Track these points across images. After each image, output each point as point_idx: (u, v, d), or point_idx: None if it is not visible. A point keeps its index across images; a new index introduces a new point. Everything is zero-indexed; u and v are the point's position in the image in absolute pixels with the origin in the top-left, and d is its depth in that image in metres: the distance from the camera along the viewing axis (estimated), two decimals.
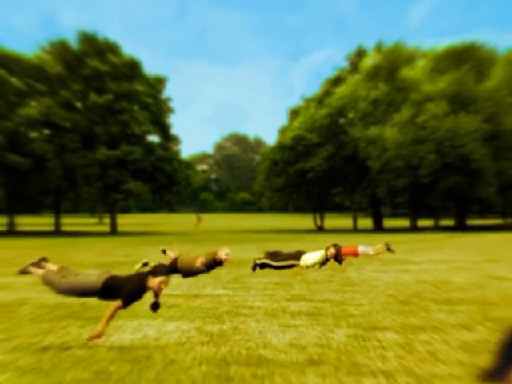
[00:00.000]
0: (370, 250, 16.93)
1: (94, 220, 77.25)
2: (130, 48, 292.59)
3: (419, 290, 8.85)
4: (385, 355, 4.43)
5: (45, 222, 55.55)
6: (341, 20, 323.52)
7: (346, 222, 58.58)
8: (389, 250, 16.10)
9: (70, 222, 56.61)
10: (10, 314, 6.72)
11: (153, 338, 5.19)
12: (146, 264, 10.12)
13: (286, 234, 36.88)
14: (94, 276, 5.61)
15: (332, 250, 8.98)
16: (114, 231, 45.49)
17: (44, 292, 8.64)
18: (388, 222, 54.79)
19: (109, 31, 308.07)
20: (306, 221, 61.03)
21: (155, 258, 8.99)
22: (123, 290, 5.21)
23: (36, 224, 54.16)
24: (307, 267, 8.89)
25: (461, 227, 45.62)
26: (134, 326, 5.76)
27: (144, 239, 31.26)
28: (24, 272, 5.62)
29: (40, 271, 5.68)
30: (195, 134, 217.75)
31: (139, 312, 6.53)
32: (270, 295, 8.20)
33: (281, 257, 9.88)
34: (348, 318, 6.25)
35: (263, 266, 9.87)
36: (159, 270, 5.88)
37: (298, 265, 9.48)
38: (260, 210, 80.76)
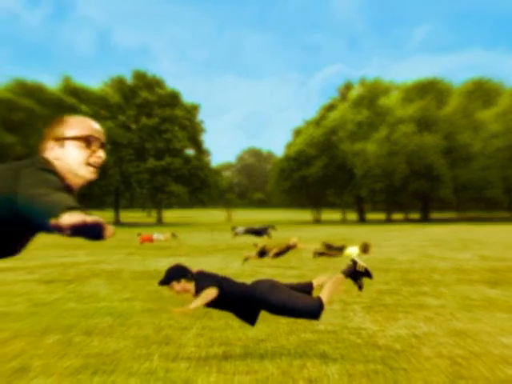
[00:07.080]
0: (162, 237, 18.84)
1: (144, 214, 78.54)
2: (171, 60, 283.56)
3: (370, 264, 10.34)
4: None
5: (107, 215, 57.08)
6: (353, 38, 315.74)
7: (336, 215, 59.25)
8: (173, 235, 18.08)
9: (126, 216, 57.97)
10: (115, 277, 8.24)
11: None
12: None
13: (291, 224, 38.14)
14: None
15: (363, 248, 11.03)
16: (160, 222, 47.61)
17: (129, 264, 10.61)
18: (369, 216, 55.62)
19: (156, 46, 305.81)
20: (306, 215, 61.56)
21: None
22: None
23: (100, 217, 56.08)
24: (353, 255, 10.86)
25: (424, 220, 46.69)
26: None
27: (183, 228, 33.13)
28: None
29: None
30: (225, 137, 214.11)
31: None
32: (276, 267, 9.52)
33: (332, 248, 11.63)
34: (314, 277, 8.05)
35: (321, 254, 11.64)
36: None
37: (342, 254, 11.20)
38: (271, 206, 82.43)
